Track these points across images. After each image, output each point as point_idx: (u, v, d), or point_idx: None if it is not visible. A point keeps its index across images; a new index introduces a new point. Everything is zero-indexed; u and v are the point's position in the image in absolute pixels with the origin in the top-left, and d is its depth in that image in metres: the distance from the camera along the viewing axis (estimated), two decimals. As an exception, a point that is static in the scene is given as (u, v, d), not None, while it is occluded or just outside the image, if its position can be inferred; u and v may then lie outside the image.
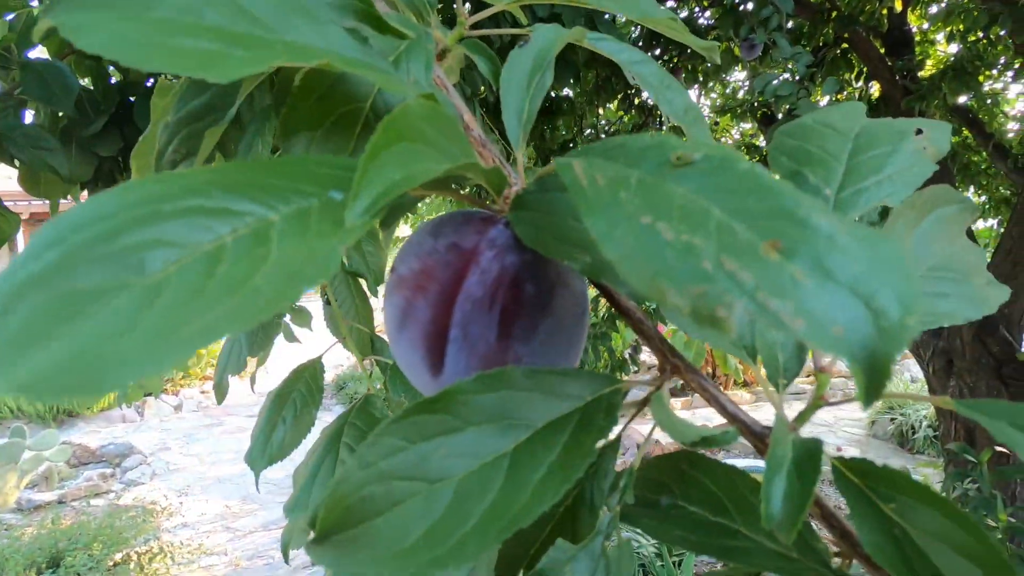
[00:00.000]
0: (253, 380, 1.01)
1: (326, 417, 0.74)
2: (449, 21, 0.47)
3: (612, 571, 0.29)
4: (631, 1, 0.47)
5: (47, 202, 1.46)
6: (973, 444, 3.01)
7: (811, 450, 0.26)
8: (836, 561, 0.31)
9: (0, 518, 4.96)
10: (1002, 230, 3.40)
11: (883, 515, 0.27)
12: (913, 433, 6.20)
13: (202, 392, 8.69)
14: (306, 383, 0.80)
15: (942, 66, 3.30)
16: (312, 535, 0.24)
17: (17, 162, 1.36)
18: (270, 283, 0.19)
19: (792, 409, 0.33)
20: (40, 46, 1.34)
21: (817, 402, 0.29)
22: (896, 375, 8.16)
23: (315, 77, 0.35)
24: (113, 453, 6.23)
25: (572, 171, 0.24)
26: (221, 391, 0.94)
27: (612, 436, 0.32)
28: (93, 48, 0.24)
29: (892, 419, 6.46)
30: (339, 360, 8.86)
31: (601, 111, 3.58)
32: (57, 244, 0.17)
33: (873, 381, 0.16)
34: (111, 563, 4.15)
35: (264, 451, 0.75)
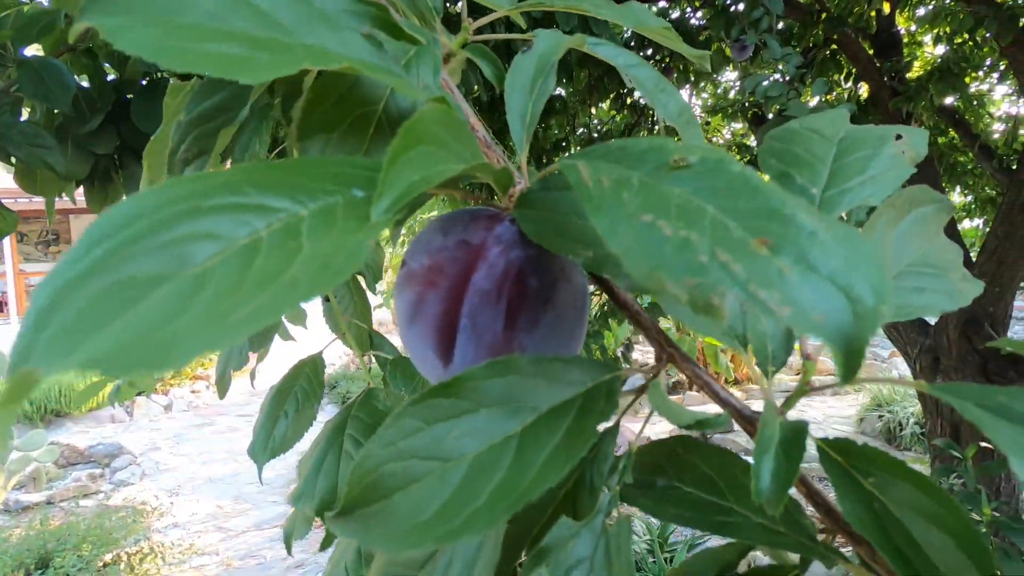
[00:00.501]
0: (253, 375, 1.02)
1: (319, 416, 0.77)
2: (445, 20, 0.49)
3: (612, 546, 0.31)
4: (626, 10, 0.49)
5: (33, 199, 1.47)
6: (959, 440, 3.06)
7: (797, 431, 0.28)
8: (821, 536, 0.33)
9: (-12, 519, 4.93)
10: (987, 230, 3.46)
11: (863, 489, 0.29)
12: (901, 430, 6.29)
13: (192, 392, 8.62)
14: (307, 378, 0.82)
15: (929, 68, 3.35)
16: (336, 510, 0.26)
17: (13, 159, 1.36)
18: (306, 274, 0.20)
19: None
20: (35, 44, 1.34)
21: (803, 387, 0.32)
22: (883, 372, 8.27)
23: (332, 81, 0.36)
24: (102, 453, 6.18)
25: (578, 173, 0.26)
26: (223, 385, 0.95)
27: (611, 421, 0.34)
28: (129, 49, 0.25)
29: (880, 416, 6.55)
30: (331, 359, 8.84)
31: (594, 111, 3.60)
32: (111, 236, 0.19)
33: (850, 360, 0.18)
34: (101, 564, 4.13)
35: (266, 444, 0.77)
